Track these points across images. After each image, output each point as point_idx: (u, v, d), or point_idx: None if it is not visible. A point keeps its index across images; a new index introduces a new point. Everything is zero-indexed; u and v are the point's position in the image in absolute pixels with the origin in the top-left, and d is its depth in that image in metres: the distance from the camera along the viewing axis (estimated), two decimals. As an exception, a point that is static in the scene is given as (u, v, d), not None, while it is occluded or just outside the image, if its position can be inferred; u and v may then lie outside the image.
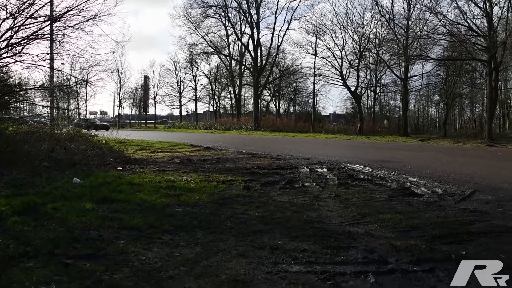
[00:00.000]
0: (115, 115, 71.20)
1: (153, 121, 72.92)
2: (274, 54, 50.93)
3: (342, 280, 2.88)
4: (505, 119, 53.63)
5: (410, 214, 4.92)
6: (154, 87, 66.78)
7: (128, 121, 76.99)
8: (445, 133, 45.82)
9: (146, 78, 66.23)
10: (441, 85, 48.84)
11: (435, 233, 4.07)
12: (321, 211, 5.00)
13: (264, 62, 49.68)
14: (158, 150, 14.36)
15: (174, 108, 71.63)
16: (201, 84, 66.84)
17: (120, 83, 63.25)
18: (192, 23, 47.90)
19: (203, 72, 66.43)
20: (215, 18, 49.44)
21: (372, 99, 54.35)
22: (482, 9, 30.66)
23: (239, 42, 52.42)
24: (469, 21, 31.01)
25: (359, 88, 45.99)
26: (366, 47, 43.38)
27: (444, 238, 3.92)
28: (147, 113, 70.86)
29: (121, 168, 8.85)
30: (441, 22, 32.11)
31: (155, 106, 68.78)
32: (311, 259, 3.27)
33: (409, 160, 12.20)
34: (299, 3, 58.47)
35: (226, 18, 49.58)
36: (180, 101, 66.98)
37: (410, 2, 38.69)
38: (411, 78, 45.24)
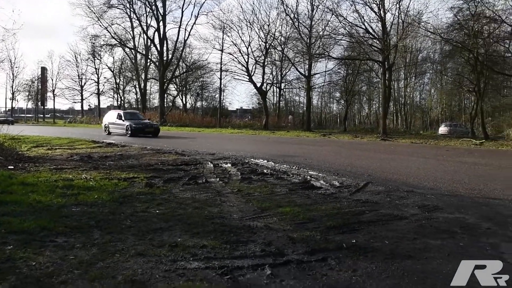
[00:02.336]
0: (7, 109, 65.88)
1: (52, 116, 68.44)
2: (181, 49, 50.39)
3: (239, 274, 2.94)
4: (398, 116, 57.92)
5: (308, 206, 5.15)
6: (52, 79, 62.70)
7: (23, 115, 71.41)
8: (345, 128, 48.51)
9: (43, 69, 62.04)
10: (341, 83, 51.51)
11: (330, 224, 4.30)
12: (223, 206, 5.05)
13: (170, 56, 48.87)
14: (56, 147, 13.52)
15: (75, 102, 67.90)
16: (105, 78, 64.34)
17: (13, 74, 58.71)
18: (94, 13, 45.58)
19: (107, 65, 63.86)
20: (119, 9, 47.57)
21: (278, 95, 55.87)
22: (377, 14, 32.80)
23: (144, 35, 51.05)
24: (366, 24, 33.18)
25: (265, 84, 47.08)
26: (272, 44, 44.49)
27: (338, 229, 4.16)
28: (45, 107, 66.40)
29: (12, 167, 8.20)
30: (342, 23, 33.99)
31: (54, 100, 64.62)
32: (210, 254, 3.30)
33: (310, 155, 12.75)
34: (206, -3, 58.44)
35: (131, 9, 47.95)
36: (82, 95, 63.72)
37: (314, 3, 40.39)
38: (314, 75, 47.26)
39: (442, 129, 43.26)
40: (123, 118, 25.27)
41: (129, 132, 23.80)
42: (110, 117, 27.19)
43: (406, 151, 16.68)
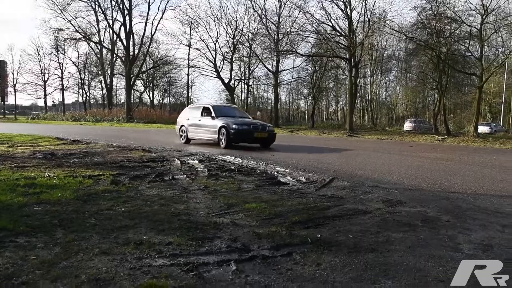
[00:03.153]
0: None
1: (13, 112, 66.28)
2: (148, 44, 49.60)
3: (205, 270, 2.95)
4: (364, 112, 58.99)
5: (274, 202, 5.20)
6: (13, 74, 60.46)
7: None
8: (312, 124, 49.01)
9: (3, 63, 59.73)
10: (309, 80, 51.96)
11: (295, 219, 4.36)
12: (189, 203, 5.04)
13: (137, 51, 48.01)
14: (18, 144, 13.14)
15: (38, 98, 65.95)
16: (69, 73, 62.79)
17: (-33, 67, 56.44)
18: (57, 5, 44.15)
19: (71, 60, 62.34)
20: (83, 1, 46.25)
21: (246, 91, 55.85)
22: (344, 11, 33.24)
23: (110, 29, 49.82)
24: (333, 21, 33.56)
25: (233, 80, 46.97)
26: (240, 40, 44.48)
27: (303, 223, 4.22)
28: (6, 103, 64.23)
29: (-31, 165, 7.93)
30: (309, 20, 34.22)
31: (15, 95, 62.39)
32: (176, 251, 3.29)
33: (278, 151, 12.83)
34: (173, -8, 57.70)
35: (96, 2, 46.85)
36: (45, 90, 61.80)
37: (281, -1, 40.38)
38: (282, 72, 47.43)
39: (407, 125, 44.35)
40: (213, 115, 14.80)
41: (226, 137, 13.78)
42: (189, 114, 16.53)
43: (372, 147, 17.00)
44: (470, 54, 33.08)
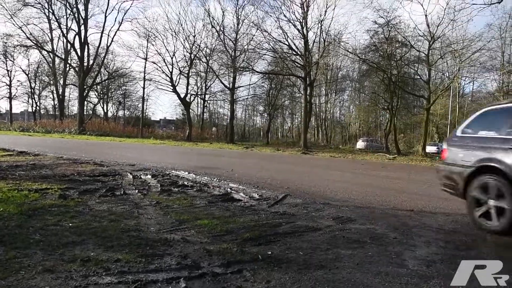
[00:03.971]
0: None
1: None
2: (103, 55, 48.64)
3: (153, 288, 2.91)
4: (319, 130, 60.07)
5: (226, 219, 5.19)
6: (-46, 79, 57.40)
7: None
8: (267, 141, 49.37)
9: None
10: (265, 97, 52.44)
11: (247, 236, 4.37)
12: (140, 219, 4.95)
13: (91, 62, 46.90)
14: (-42, 155, 12.51)
15: (-17, 105, 62.83)
16: (18, 81, 59.97)
17: None
18: (6, 9, 42.37)
19: (21, 67, 60.19)
20: (36, 8, 44.73)
21: (202, 106, 55.71)
22: (300, 31, 33.97)
23: (64, 38, 48.42)
24: (289, 40, 34.16)
25: (189, 95, 46.70)
26: (197, 55, 44.35)
27: (255, 240, 4.23)
28: None
29: None
30: (266, 38, 34.66)
31: (-45, 103, 59.29)
32: (124, 268, 3.22)
33: (232, 167, 12.83)
34: (131, 4, 57.88)
35: (50, 10, 45.45)
36: (-9, 98, 59.08)
37: (239, 17, 40.88)
38: (238, 88, 47.68)
39: (360, 144, 45.51)
40: None
41: None
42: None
43: (325, 165, 17.32)
44: (419, 77, 34.67)
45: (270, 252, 3.86)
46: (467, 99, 53.40)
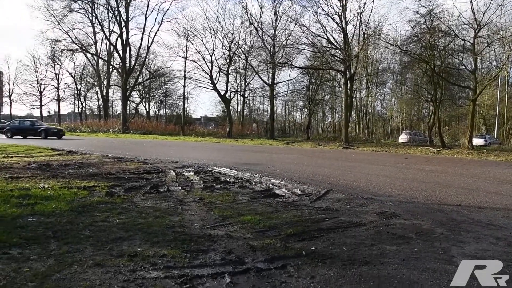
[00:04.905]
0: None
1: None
2: (144, 55, 49.74)
3: (199, 283, 2.95)
4: (360, 124, 59.20)
5: (269, 214, 5.20)
6: (9, 84, 60.20)
7: (-24, 121, 68.32)
8: (308, 136, 49.14)
9: (-1, 73, 59.65)
10: (304, 92, 52.18)
11: (290, 231, 4.36)
12: (184, 215, 5.04)
13: (133, 63, 48.12)
14: (13, 155, 13.08)
15: (34, 108, 65.88)
16: (65, 83, 62.55)
17: (-37, 77, 56.20)
18: (54, 16, 44.01)
19: (67, 71, 62.01)
20: (80, 13, 46.34)
21: (241, 103, 56.01)
22: (339, 25, 33.54)
23: (107, 40, 49.95)
24: (328, 34, 33.83)
25: (229, 92, 47.04)
26: (236, 52, 44.61)
27: (298, 236, 4.23)
28: (1, 113, 63.97)
29: (-36, 176, 7.89)
30: (304, 33, 34.44)
31: (10, 106, 61.99)
32: (170, 264, 3.29)
33: (273, 163, 12.85)
34: (170, 5, 58.65)
35: (93, 14, 46.97)
36: (41, 101, 61.39)
37: (277, 12, 40.81)
38: (277, 84, 47.62)
39: (402, 138, 44.51)
40: None
41: None
42: None
43: (367, 159, 17.03)
44: (464, 67, 33.43)
45: (313, 248, 3.85)
46: (516, 89, 51.21)
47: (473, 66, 30.81)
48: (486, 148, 32.18)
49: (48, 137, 28.23)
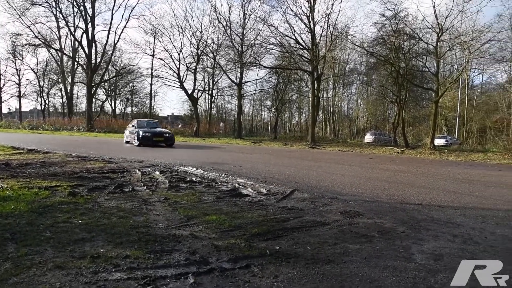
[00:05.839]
0: None
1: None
2: (110, 52, 48.78)
3: (162, 284, 2.93)
4: (327, 124, 59.94)
5: (235, 214, 5.21)
6: (-35, 79, 57.87)
7: None
8: (275, 135, 49.40)
9: (-47, 67, 57.31)
10: (272, 91, 52.44)
11: (255, 231, 4.39)
12: (149, 215, 4.98)
13: (99, 59, 47.08)
14: (-31, 154, 12.63)
15: (-7, 105, 63.35)
16: (27, 79, 60.73)
17: None
18: (15, 9, 42.48)
19: (29, 66, 60.41)
20: (44, 7, 44.94)
21: (209, 102, 55.76)
22: (307, 26, 33.87)
23: (71, 36, 48.67)
24: (296, 35, 34.07)
25: (196, 91, 46.75)
26: (204, 51, 44.36)
27: (263, 236, 4.25)
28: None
29: None
30: (273, 33, 34.59)
31: (-34, 102, 59.81)
32: (133, 265, 3.25)
33: (240, 162, 12.86)
34: (137, 1, 57.41)
35: (57, 9, 45.62)
36: (0, 97, 59.57)
37: (246, 12, 40.81)
38: (245, 83, 47.64)
39: (368, 138, 45.37)
40: None
41: None
42: None
43: (333, 159, 17.28)
44: (427, 69, 34.38)
45: (278, 247, 3.88)
46: (476, 91, 53.07)
47: (435, 68, 31.70)
48: (447, 148, 33.19)
49: None
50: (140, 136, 21.00)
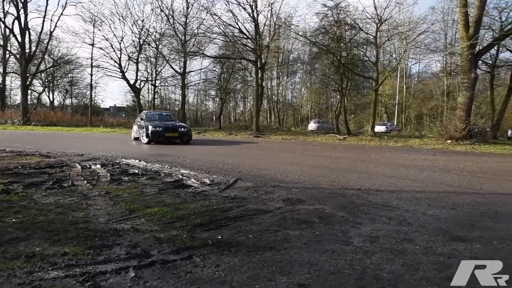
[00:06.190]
0: None
1: None
2: (46, 41, 46.38)
3: (102, 279, 2.88)
4: (271, 113, 60.49)
5: (177, 205, 5.18)
6: None
7: None
8: (220, 125, 49.29)
9: None
10: (216, 81, 52.22)
11: (197, 221, 4.39)
12: (89, 210, 4.85)
13: (34, 49, 44.67)
14: None
15: None
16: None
17: None
18: None
19: (-46, 55, 56.29)
20: (-32, -10, 41.98)
21: (152, 92, 54.55)
22: (251, 15, 33.90)
23: (1, 23, 45.85)
24: (240, 24, 34.08)
25: (139, 81, 45.72)
26: (146, 40, 43.40)
27: (205, 226, 4.27)
28: None
29: None
30: (216, 22, 34.36)
31: None
32: (72, 262, 3.17)
33: (184, 153, 12.77)
34: (75, -13, 54.79)
35: (-16, -8, 42.74)
36: None
37: (189, 0, 40.17)
38: (189, 73, 47.12)
39: (311, 126, 46.26)
40: None
41: None
42: None
43: (277, 147, 17.54)
44: (367, 59, 35.47)
45: (220, 237, 3.91)
46: (413, 80, 55.47)
47: (375, 58, 32.76)
48: (387, 135, 34.54)
49: None
50: (150, 131, 18.06)
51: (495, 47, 28.75)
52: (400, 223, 4.63)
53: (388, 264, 3.31)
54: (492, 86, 33.57)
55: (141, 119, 20.41)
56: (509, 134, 34.47)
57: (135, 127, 21.38)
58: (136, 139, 20.45)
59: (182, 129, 19.12)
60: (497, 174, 9.76)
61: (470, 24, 22.15)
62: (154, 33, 43.07)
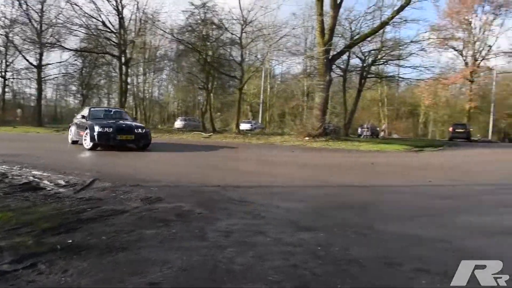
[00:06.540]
0: None
1: None
2: None
3: None
4: (137, 110, 58.73)
5: (25, 210, 4.81)
6: None
7: None
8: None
9: None
10: (78, 76, 49.20)
11: (46, 226, 4.12)
12: None
13: None
14: None
15: None
16: None
17: None
18: None
19: None
20: None
21: (2, 86, 49.27)
22: (115, 8, 32.55)
23: None
24: (103, 17, 32.41)
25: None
26: (-7, 26, 38.96)
27: (54, 230, 4.02)
28: None
29: None
30: (77, 13, 32.28)
31: None
32: None
33: (38, 153, 11.85)
34: None
35: None
36: None
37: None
38: (47, 66, 43.48)
39: (178, 123, 46.09)
40: None
41: None
42: None
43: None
44: (233, 58, 36.40)
45: (70, 241, 3.73)
46: (277, 80, 58.38)
47: (240, 58, 33.77)
48: (251, 132, 35.86)
49: None
50: (96, 133, 13.54)
51: (347, 54, 31.62)
52: (254, 217, 4.88)
53: (240, 257, 3.47)
54: (344, 88, 37.06)
55: (82, 117, 15.58)
56: (359, 131, 38.03)
57: (73, 128, 16.51)
58: (75, 142, 16.01)
59: (139, 130, 14.66)
60: (344, 168, 10.81)
61: (325, 31, 24.05)
62: (3, 18, 38.85)
